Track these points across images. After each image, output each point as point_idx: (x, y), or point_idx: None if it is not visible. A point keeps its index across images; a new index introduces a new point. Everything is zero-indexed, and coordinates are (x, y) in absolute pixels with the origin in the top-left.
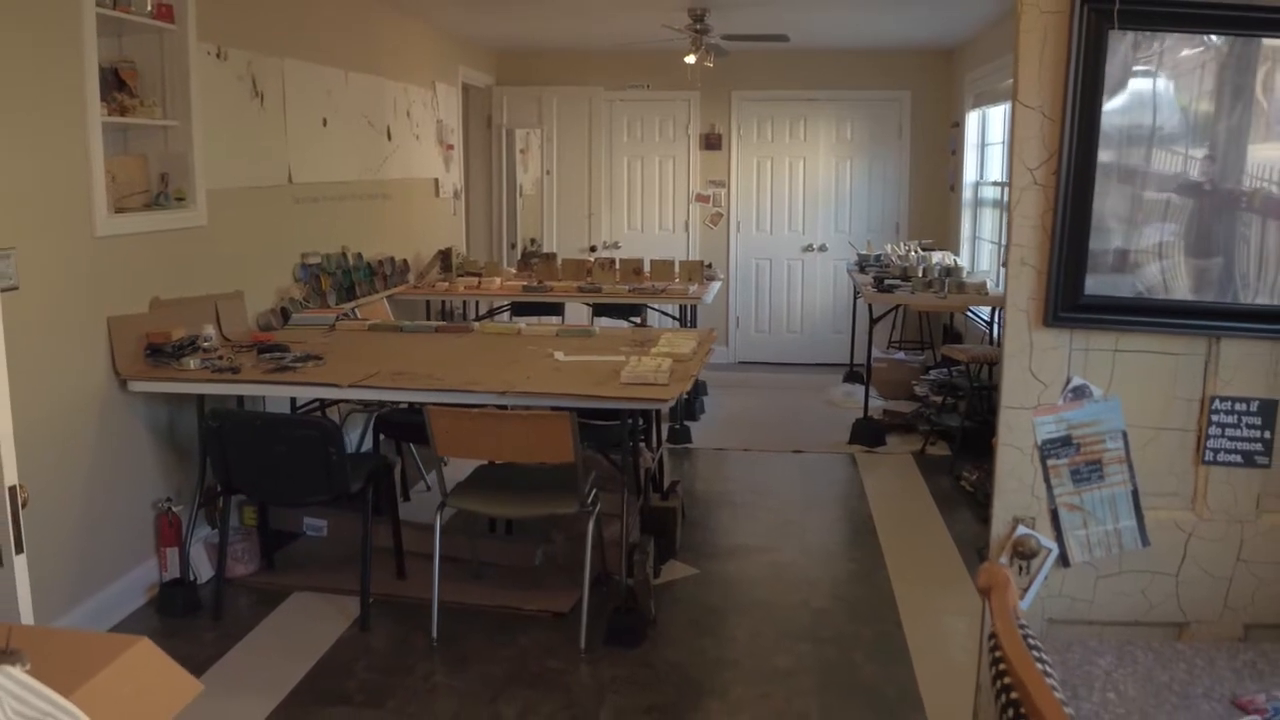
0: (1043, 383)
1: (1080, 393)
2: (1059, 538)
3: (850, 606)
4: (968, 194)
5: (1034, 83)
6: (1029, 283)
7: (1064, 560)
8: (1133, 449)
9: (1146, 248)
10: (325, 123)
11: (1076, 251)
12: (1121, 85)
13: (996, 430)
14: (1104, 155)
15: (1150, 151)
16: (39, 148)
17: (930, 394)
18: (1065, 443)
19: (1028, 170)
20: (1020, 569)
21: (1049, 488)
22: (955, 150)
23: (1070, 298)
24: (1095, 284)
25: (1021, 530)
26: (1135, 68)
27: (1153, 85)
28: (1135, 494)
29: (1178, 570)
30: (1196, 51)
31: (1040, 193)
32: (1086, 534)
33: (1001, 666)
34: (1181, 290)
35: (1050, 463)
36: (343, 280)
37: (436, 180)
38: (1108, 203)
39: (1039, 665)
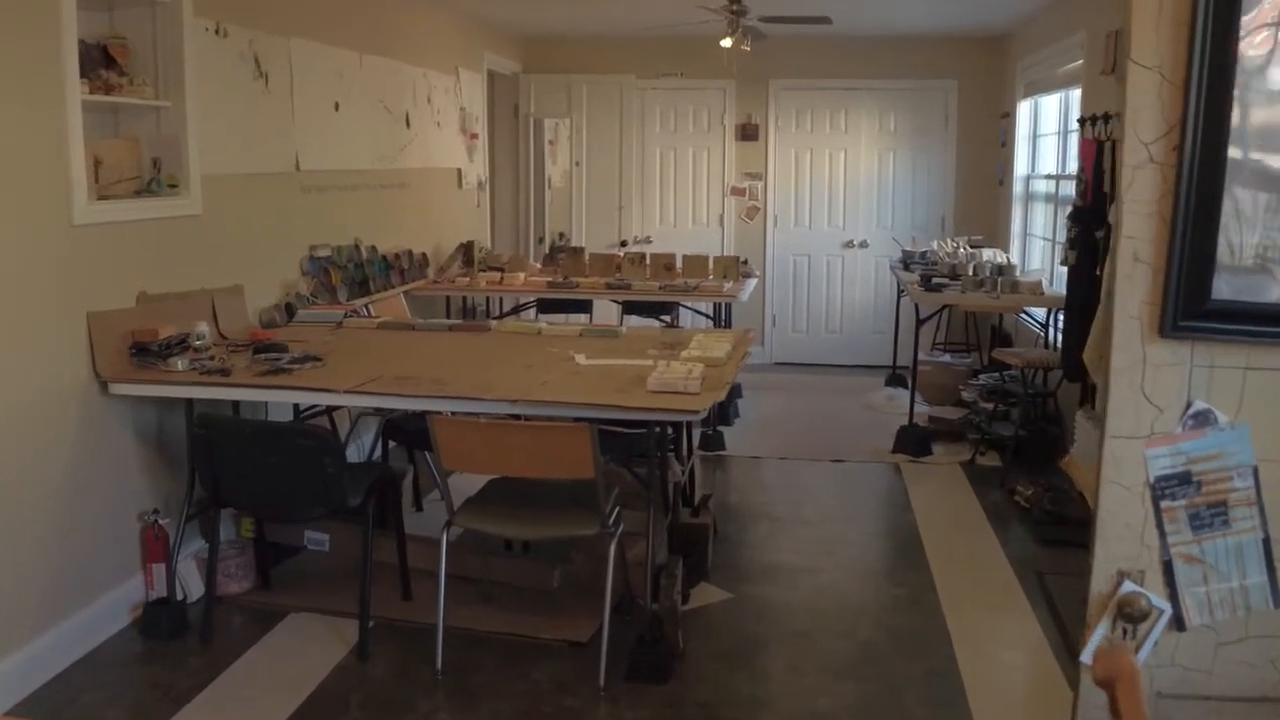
0: (1157, 407)
1: (1203, 419)
2: (1173, 596)
3: (899, 638)
4: (1018, 188)
5: (1151, 36)
6: (1143, 283)
7: (1178, 623)
8: (1265, 488)
9: None
10: (337, 107)
11: (1202, 245)
12: (1260, 37)
13: (1066, 447)
14: (1238, 125)
15: None
16: (8, 127)
17: (979, 400)
18: (1183, 480)
19: (1143, 145)
20: (1125, 633)
21: (1162, 535)
22: (1005, 142)
23: (1194, 302)
24: (1226, 286)
25: (1128, 587)
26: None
27: None
28: (1267, 543)
29: None
30: None
31: (1158, 172)
32: (1206, 591)
33: None
34: None
35: (1164, 505)
36: (355, 274)
37: (459, 170)
38: (1243, 185)
39: None
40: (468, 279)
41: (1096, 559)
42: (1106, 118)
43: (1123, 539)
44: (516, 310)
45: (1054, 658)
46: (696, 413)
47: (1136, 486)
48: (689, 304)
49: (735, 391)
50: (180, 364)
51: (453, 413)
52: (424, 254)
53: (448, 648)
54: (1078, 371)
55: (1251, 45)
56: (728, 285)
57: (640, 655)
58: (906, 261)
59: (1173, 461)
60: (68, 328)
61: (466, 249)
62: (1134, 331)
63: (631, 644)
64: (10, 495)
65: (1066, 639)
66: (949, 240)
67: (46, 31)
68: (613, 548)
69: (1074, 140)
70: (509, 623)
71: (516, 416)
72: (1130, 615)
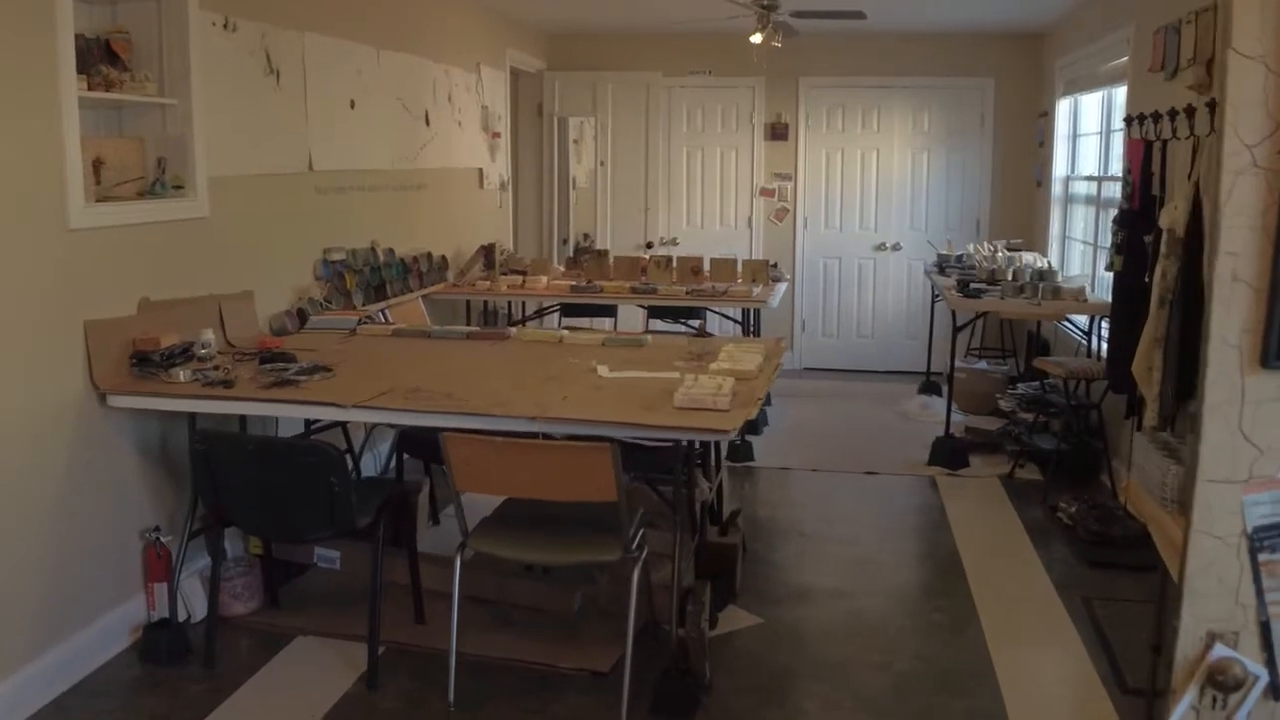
0: (1257, 447)
1: None
2: (1270, 661)
3: (940, 671)
4: (1057, 189)
5: (1255, 22)
6: (1243, 307)
7: (1275, 692)
8: None
9: None
10: (353, 105)
11: None
12: None
13: (1110, 462)
14: None
15: None
16: None
17: (1018, 410)
18: None
19: (1245, 148)
20: (1214, 702)
21: (1260, 592)
22: (1043, 142)
23: None
24: None
25: (1220, 651)
26: None
27: None
28: None
29: None
30: None
31: (1262, 179)
32: None
33: None
34: None
35: (1264, 558)
36: (371, 278)
37: (481, 170)
38: None
39: None
40: (489, 282)
41: (1184, 619)
42: (1156, 116)
43: (1215, 596)
44: (539, 314)
45: (1105, 693)
46: (727, 432)
47: (1231, 537)
48: (716, 309)
49: (764, 398)
50: (182, 374)
51: (467, 430)
52: (444, 256)
53: (461, 676)
54: (1124, 383)
55: None
56: (757, 290)
57: (665, 687)
58: (942, 265)
59: (1274, 509)
60: (63, 336)
61: (488, 251)
62: (1231, 362)
63: (656, 675)
64: (2, 512)
65: (1117, 672)
66: (986, 244)
67: (40, 24)
68: (636, 573)
69: (1117, 140)
70: (526, 650)
71: (535, 434)
72: (1222, 684)
